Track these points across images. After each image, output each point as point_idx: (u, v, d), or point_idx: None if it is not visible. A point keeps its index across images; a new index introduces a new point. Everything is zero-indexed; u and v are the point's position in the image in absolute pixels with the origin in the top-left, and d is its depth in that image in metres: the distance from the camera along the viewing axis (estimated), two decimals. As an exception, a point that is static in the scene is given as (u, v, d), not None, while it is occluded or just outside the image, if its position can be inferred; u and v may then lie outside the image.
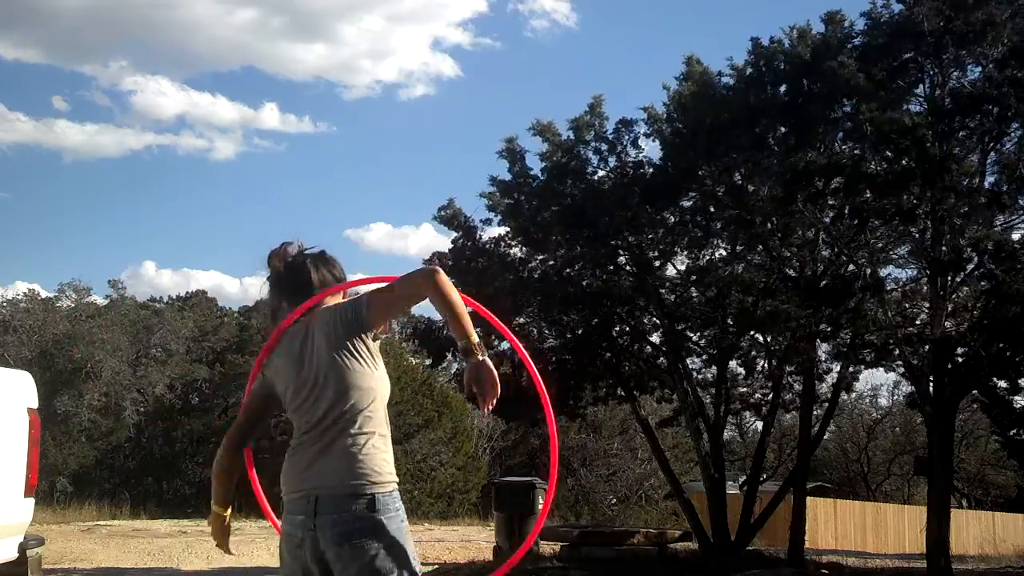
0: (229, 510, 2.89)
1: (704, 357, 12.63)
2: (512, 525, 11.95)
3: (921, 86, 10.52)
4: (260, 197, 57.95)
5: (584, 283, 11.80)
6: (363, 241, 56.31)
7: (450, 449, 25.33)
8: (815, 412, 12.93)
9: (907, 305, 11.72)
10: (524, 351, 2.92)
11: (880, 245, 10.72)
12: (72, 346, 25.12)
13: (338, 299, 2.89)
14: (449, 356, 13.31)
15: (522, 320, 12.35)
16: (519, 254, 12.33)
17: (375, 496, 2.63)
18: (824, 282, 10.64)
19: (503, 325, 2.95)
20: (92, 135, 55.27)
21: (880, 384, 45.51)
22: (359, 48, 58.67)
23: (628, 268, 11.99)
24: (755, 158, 10.72)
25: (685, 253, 12.13)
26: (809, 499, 13.81)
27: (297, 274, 2.86)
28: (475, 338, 2.63)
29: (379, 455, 2.67)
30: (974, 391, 12.13)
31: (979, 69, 10.33)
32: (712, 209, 11.60)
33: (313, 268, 2.88)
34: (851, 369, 11.71)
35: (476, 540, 15.57)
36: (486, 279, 11.67)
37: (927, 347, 10.46)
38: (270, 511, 3.06)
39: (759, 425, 15.37)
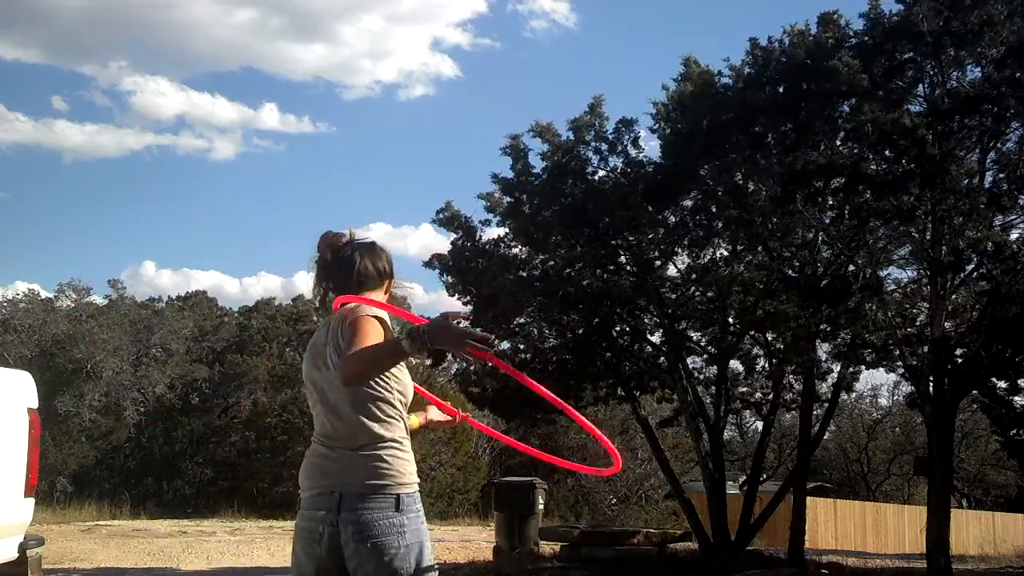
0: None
1: (704, 356, 12.63)
2: (512, 525, 11.96)
3: (920, 86, 10.52)
4: (260, 197, 58.09)
5: (584, 283, 11.80)
6: (363, 241, 56.01)
7: (450, 449, 25.33)
8: (815, 412, 12.93)
9: (907, 305, 11.72)
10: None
11: (880, 245, 10.71)
12: (72, 346, 25.16)
13: (379, 296, 2.89)
14: (449, 356, 13.31)
15: (522, 320, 12.36)
16: (519, 254, 12.33)
17: (400, 496, 2.68)
18: (824, 282, 10.64)
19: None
20: (92, 135, 55.33)
21: (880, 384, 45.58)
22: (358, 48, 58.75)
23: (628, 268, 11.99)
24: (754, 158, 10.72)
25: (686, 253, 12.13)
26: (809, 499, 13.81)
27: (343, 262, 2.88)
28: (405, 337, 2.47)
29: (401, 455, 2.73)
30: (974, 391, 12.13)
31: (978, 69, 10.34)
32: (713, 209, 11.60)
33: (359, 258, 2.88)
34: (851, 369, 11.70)
35: (476, 540, 15.56)
36: (486, 279, 11.68)
37: (927, 347, 10.46)
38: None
39: (759, 425, 15.38)
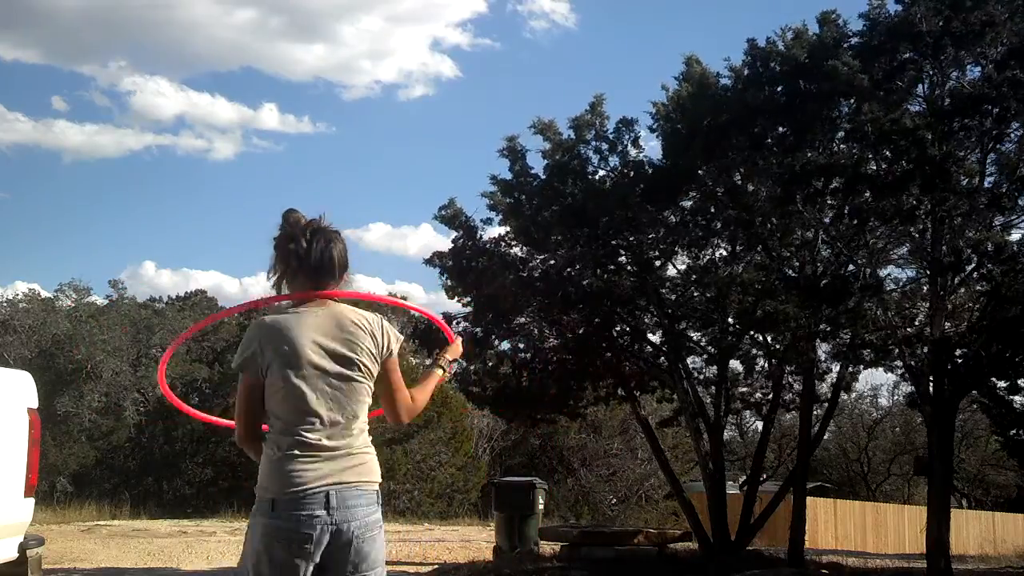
0: None
1: (704, 356, 12.62)
2: (512, 525, 11.96)
3: (920, 86, 10.51)
4: (259, 197, 58.09)
5: (584, 283, 11.79)
6: (362, 241, 56.36)
7: (450, 449, 25.33)
8: (815, 412, 12.92)
9: (907, 305, 11.71)
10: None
11: (880, 245, 10.71)
12: (72, 346, 25.15)
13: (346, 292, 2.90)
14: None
15: (523, 320, 12.35)
16: (519, 254, 12.33)
17: (377, 492, 2.79)
18: (824, 282, 10.64)
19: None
20: (91, 135, 55.43)
21: (880, 384, 45.51)
22: (358, 48, 58.81)
23: (629, 268, 11.99)
24: (753, 158, 10.72)
25: (685, 253, 12.12)
26: (809, 499, 13.80)
27: (324, 254, 2.80)
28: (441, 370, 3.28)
29: (375, 457, 2.86)
30: (974, 391, 12.11)
31: (978, 69, 10.33)
32: (712, 209, 11.59)
33: (341, 251, 2.84)
34: (851, 369, 11.69)
35: (476, 540, 15.57)
36: (486, 279, 11.67)
37: (926, 347, 10.46)
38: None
39: (759, 425, 15.38)
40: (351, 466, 2.71)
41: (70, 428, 24.71)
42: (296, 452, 2.68)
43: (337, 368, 2.73)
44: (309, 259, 2.78)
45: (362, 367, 2.76)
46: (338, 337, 2.75)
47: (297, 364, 2.70)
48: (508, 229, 12.24)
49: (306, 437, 2.68)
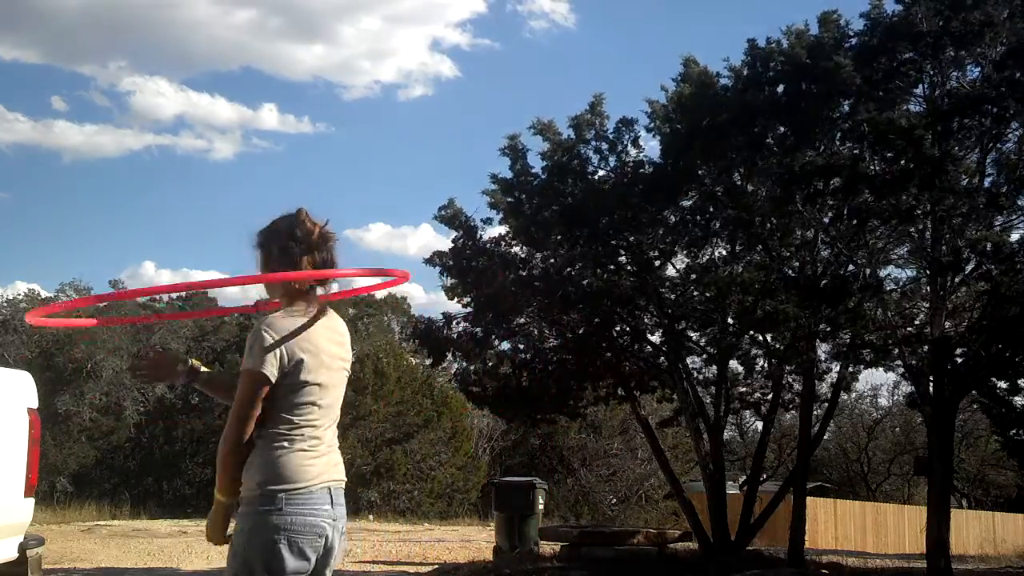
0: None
1: (704, 356, 12.62)
2: (512, 525, 11.96)
3: (920, 86, 10.52)
4: (259, 197, 58.03)
5: (584, 282, 11.79)
6: (362, 241, 56.35)
7: (450, 449, 25.33)
8: (815, 412, 12.92)
9: (906, 305, 11.71)
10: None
11: (879, 245, 10.71)
12: (72, 346, 25.18)
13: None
14: (449, 356, 13.30)
15: (523, 320, 12.35)
16: (520, 253, 12.32)
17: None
18: (824, 282, 10.64)
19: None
20: (91, 135, 55.42)
21: (880, 384, 45.44)
22: (358, 49, 58.75)
23: (628, 267, 11.99)
24: (753, 158, 10.72)
25: (685, 253, 12.12)
26: (809, 499, 13.80)
27: (325, 261, 2.87)
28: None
29: None
30: (974, 391, 12.12)
31: (978, 70, 10.33)
32: (712, 209, 11.60)
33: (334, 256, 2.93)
34: (851, 369, 11.69)
35: (476, 540, 15.58)
36: (486, 279, 11.67)
37: (926, 347, 10.46)
38: None
39: (759, 425, 15.38)
40: (336, 463, 2.82)
41: (70, 428, 24.74)
42: (305, 448, 2.73)
43: (338, 370, 2.86)
44: (319, 264, 2.86)
45: (349, 370, 2.94)
46: (339, 341, 2.88)
47: (319, 364, 2.77)
48: (508, 229, 12.24)
49: (315, 434, 2.76)
